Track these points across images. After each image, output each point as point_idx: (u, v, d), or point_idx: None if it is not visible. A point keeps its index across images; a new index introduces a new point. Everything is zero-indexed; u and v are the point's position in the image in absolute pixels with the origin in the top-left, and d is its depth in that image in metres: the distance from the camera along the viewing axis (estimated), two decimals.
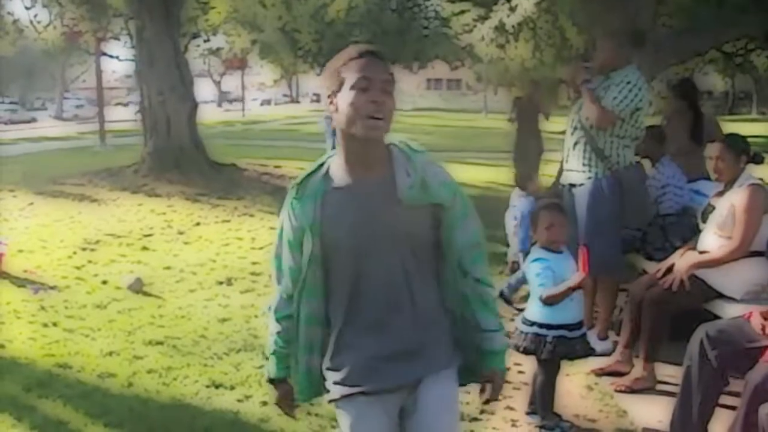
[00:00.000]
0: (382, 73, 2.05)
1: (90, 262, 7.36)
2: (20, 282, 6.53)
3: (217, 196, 11.30)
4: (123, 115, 33.35)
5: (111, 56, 23.02)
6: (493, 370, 2.27)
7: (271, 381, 2.39)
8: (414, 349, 2.15)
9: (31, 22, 18.07)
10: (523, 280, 4.88)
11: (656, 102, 16.56)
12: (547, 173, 8.67)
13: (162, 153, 13.28)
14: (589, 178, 4.74)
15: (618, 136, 4.68)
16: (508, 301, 5.62)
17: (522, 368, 4.45)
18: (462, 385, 2.27)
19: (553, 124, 11.15)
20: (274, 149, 20.19)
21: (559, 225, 3.75)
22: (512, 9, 11.23)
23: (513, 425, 3.85)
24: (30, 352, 4.90)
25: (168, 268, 7.13)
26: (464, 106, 58.13)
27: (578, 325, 3.72)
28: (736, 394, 3.33)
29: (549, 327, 3.65)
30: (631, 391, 4.20)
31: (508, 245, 6.93)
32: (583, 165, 4.77)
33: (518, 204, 6.48)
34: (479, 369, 2.28)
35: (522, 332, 3.74)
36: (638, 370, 4.28)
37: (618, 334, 4.62)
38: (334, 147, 2.26)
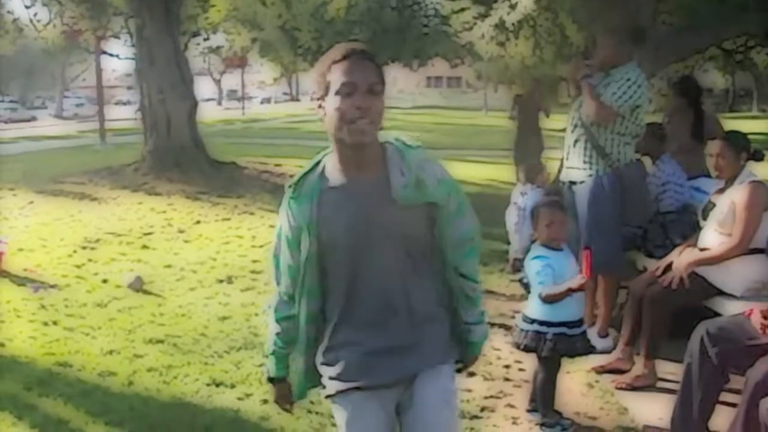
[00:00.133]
0: (367, 76, 2.01)
1: (90, 260, 7.36)
2: (20, 281, 6.53)
3: (218, 195, 11.31)
4: (123, 114, 33.35)
5: (111, 55, 22.98)
6: (470, 357, 2.40)
7: (270, 380, 2.40)
8: (410, 345, 2.15)
9: (31, 20, 18.04)
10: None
11: (656, 99, 16.56)
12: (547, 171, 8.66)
13: (162, 151, 13.29)
14: (590, 175, 4.73)
15: (618, 133, 4.67)
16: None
17: (522, 366, 4.46)
18: None
19: (554, 122, 11.15)
20: (274, 147, 20.21)
21: (559, 222, 3.74)
22: (512, 6, 11.21)
23: (514, 423, 3.85)
24: (30, 350, 4.90)
25: (168, 266, 7.13)
26: (464, 103, 58.11)
27: (578, 323, 3.72)
28: (737, 392, 3.34)
29: (549, 324, 3.65)
30: (631, 388, 4.20)
31: (508, 242, 6.93)
32: (584, 162, 4.77)
33: (529, 195, 6.45)
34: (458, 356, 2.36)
35: (522, 330, 3.74)
36: (639, 367, 4.28)
37: (618, 332, 4.61)
38: None
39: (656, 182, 5.17)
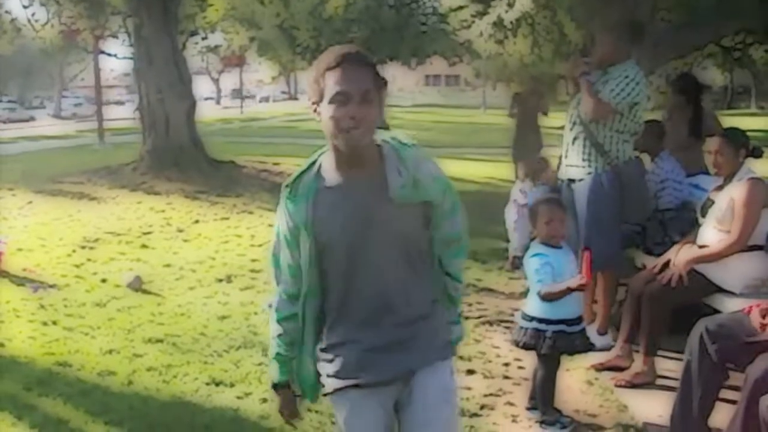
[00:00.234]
0: (361, 84, 1.99)
1: (89, 260, 7.35)
2: (20, 281, 6.53)
3: (216, 194, 11.30)
4: (121, 114, 33.33)
5: (109, 54, 22.94)
6: None
7: (274, 387, 2.35)
8: (407, 342, 2.15)
9: (29, 20, 18.01)
10: None
11: (655, 97, 16.56)
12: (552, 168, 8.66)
13: (161, 151, 13.28)
14: (589, 173, 4.73)
15: (617, 130, 4.67)
16: None
17: (522, 364, 4.46)
18: None
19: (552, 120, 11.15)
20: (273, 146, 20.19)
21: (558, 220, 3.75)
22: (510, 4, 11.21)
23: (513, 421, 3.85)
24: (30, 350, 4.89)
25: (167, 265, 7.13)
26: (463, 102, 58.11)
27: (578, 320, 3.72)
28: (736, 388, 3.34)
29: (548, 322, 3.65)
30: (631, 385, 4.21)
31: (508, 240, 6.93)
32: (583, 160, 4.77)
33: (533, 192, 6.44)
34: None
35: (521, 327, 3.74)
36: (638, 364, 4.28)
37: (618, 329, 4.61)
38: None
39: (655, 179, 5.17)
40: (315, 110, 2.08)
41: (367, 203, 2.08)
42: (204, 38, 27.88)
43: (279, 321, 2.27)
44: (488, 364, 4.56)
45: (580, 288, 3.55)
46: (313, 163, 2.16)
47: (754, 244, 4.05)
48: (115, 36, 21.16)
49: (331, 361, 2.20)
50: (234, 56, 39.41)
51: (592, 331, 4.29)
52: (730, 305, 3.97)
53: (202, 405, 4.07)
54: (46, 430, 3.80)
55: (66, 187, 12.26)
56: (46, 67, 47.23)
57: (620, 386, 4.22)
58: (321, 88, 2.03)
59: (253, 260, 7.24)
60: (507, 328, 5.02)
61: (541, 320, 3.67)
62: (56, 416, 3.96)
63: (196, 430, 3.79)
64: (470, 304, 5.73)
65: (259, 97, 65.72)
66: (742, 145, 4.14)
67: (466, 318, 5.46)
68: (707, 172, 5.55)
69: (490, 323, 5.38)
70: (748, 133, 4.30)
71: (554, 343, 3.65)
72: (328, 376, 2.21)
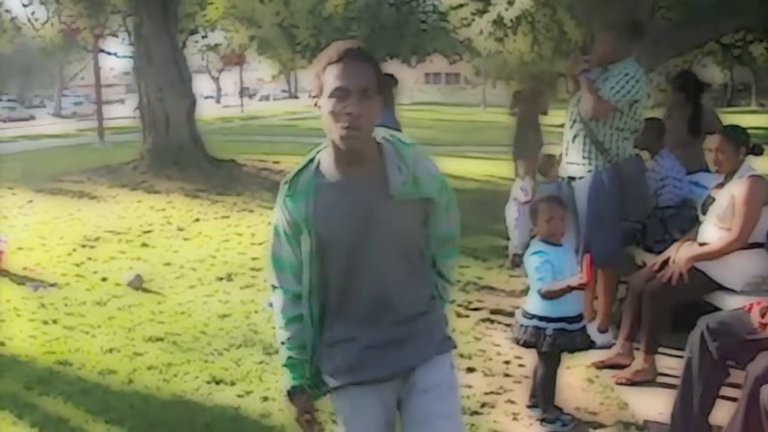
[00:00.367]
0: (361, 80, 1.99)
1: (89, 259, 7.35)
2: (20, 279, 6.52)
3: (217, 192, 11.29)
4: (121, 112, 33.32)
5: (109, 53, 22.99)
6: None
7: (289, 394, 2.25)
8: (405, 339, 2.16)
9: (29, 19, 18.06)
10: None
11: (655, 94, 16.56)
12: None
13: (161, 149, 13.27)
14: (589, 171, 4.73)
15: (617, 128, 4.67)
16: None
17: (522, 361, 4.45)
18: None
19: (553, 117, 11.13)
20: (273, 145, 20.17)
21: (558, 218, 3.75)
22: (510, 3, 11.23)
23: (514, 418, 3.85)
24: (30, 349, 4.89)
25: (168, 264, 7.13)
26: (463, 100, 58.04)
27: (578, 318, 3.72)
28: (737, 386, 3.33)
29: (549, 320, 3.65)
30: (631, 383, 4.21)
31: (508, 238, 6.93)
32: (583, 158, 4.76)
33: (542, 188, 6.42)
34: None
35: (522, 325, 3.74)
36: (639, 362, 4.28)
37: (618, 327, 4.61)
38: None
39: (655, 177, 5.16)
40: (315, 104, 2.08)
41: (367, 200, 2.08)
42: (204, 37, 27.95)
43: (286, 324, 2.23)
44: (489, 362, 4.56)
45: (581, 287, 3.55)
46: (311, 160, 2.15)
47: (755, 242, 4.04)
48: (115, 35, 21.21)
49: (330, 359, 2.20)
50: (234, 55, 39.45)
51: (592, 329, 4.29)
52: (730, 303, 3.96)
53: (203, 403, 4.07)
54: (46, 428, 3.80)
55: (66, 185, 12.25)
56: (46, 66, 47.24)
57: (621, 384, 4.22)
58: (321, 83, 2.03)
59: (254, 259, 7.23)
60: (507, 325, 5.02)
61: (541, 318, 3.67)
62: (57, 415, 3.96)
63: (197, 428, 3.79)
64: (470, 302, 5.74)
65: (259, 96, 65.67)
66: (743, 143, 4.14)
67: (467, 316, 5.47)
68: (707, 170, 5.55)
69: (491, 321, 5.38)
70: (749, 131, 4.29)
71: (555, 340, 3.65)
72: (328, 373, 2.20)
